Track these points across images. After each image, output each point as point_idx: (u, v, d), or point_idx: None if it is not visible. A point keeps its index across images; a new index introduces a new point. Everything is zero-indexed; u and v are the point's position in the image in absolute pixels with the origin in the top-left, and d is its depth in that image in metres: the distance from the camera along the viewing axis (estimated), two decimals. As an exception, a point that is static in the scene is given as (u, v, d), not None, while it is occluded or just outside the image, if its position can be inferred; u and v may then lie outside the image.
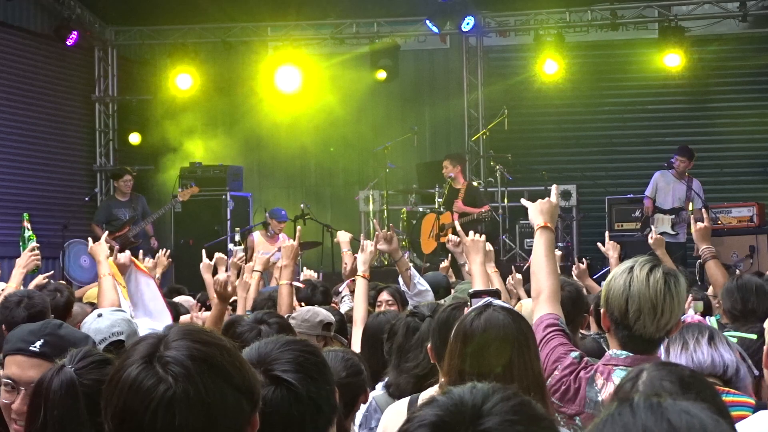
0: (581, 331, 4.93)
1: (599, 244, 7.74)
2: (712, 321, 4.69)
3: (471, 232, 4.98)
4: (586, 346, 4.51)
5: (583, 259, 7.95)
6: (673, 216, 12.73)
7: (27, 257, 6.27)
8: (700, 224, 5.99)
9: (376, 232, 6.53)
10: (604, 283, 3.33)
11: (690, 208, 12.61)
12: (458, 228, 5.33)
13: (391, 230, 6.85)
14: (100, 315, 4.45)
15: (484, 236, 4.93)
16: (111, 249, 6.13)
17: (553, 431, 1.57)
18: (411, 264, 7.02)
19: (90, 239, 6.07)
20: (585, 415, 3.20)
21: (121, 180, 13.77)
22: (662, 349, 3.33)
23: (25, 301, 5.14)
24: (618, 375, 3.18)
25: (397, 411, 3.69)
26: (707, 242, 5.98)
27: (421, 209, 14.08)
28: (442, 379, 3.20)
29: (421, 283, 6.41)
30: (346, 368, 3.57)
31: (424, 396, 3.54)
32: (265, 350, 2.34)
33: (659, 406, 1.39)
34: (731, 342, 3.48)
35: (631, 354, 3.21)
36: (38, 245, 6.47)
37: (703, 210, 6.76)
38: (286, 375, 2.28)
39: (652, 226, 12.49)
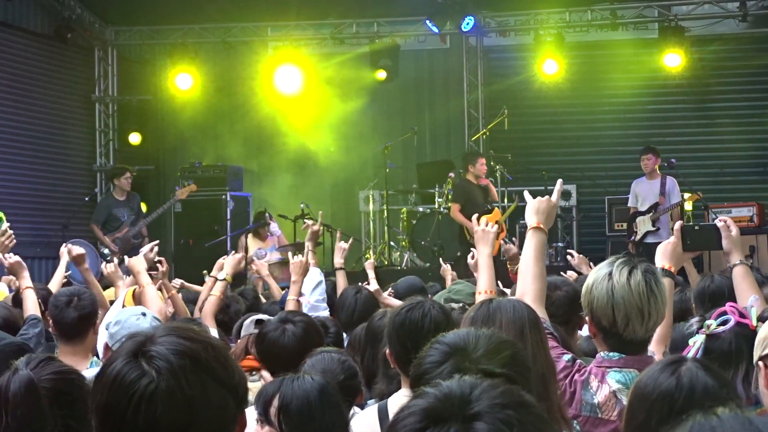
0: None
1: (569, 257, 7.74)
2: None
3: (484, 222, 4.63)
4: (582, 346, 4.49)
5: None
6: (650, 213, 12.76)
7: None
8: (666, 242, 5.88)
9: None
10: (584, 290, 3.26)
11: (677, 202, 12.67)
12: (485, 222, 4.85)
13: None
14: (144, 314, 4.43)
15: (496, 227, 4.65)
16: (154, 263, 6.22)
17: (543, 418, 1.57)
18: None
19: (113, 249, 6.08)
20: (582, 418, 3.19)
21: (123, 177, 13.58)
22: None
23: (74, 301, 4.91)
24: (612, 377, 3.18)
25: (367, 420, 3.45)
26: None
27: (421, 209, 14.08)
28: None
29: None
30: (343, 371, 3.54)
31: (392, 401, 3.39)
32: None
33: (745, 416, 1.42)
34: None
35: (623, 355, 3.20)
36: (9, 224, 6.50)
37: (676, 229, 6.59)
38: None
39: (636, 230, 12.62)
